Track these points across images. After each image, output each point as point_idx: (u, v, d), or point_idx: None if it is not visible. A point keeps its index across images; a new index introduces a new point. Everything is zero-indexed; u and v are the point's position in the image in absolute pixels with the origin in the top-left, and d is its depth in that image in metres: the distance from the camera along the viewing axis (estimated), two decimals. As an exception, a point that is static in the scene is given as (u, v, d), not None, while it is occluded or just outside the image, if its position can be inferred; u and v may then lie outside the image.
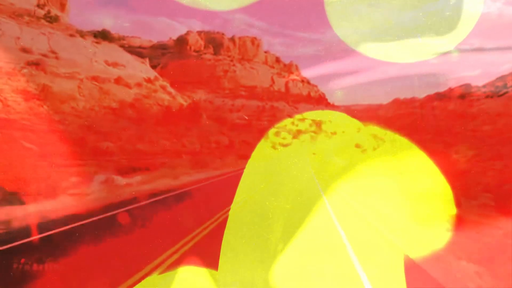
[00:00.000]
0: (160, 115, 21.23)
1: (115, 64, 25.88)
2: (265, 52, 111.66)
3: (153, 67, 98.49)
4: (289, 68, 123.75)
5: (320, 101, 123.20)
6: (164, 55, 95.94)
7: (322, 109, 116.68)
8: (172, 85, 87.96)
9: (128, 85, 24.13)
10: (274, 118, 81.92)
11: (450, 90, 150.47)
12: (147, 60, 42.88)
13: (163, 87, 31.11)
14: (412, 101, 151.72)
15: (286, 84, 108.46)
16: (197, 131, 22.92)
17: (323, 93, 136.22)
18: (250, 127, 73.57)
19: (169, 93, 30.60)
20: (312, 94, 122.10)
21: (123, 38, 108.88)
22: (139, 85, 25.71)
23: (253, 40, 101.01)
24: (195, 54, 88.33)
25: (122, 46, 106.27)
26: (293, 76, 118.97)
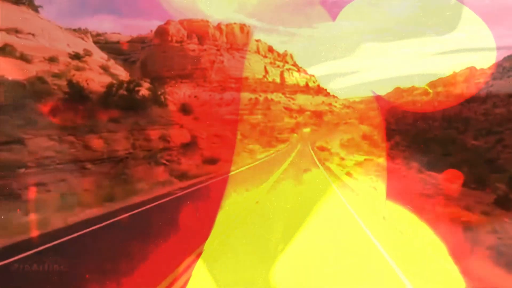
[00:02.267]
0: (68, 101, 11.86)
1: (12, 31, 16.54)
2: (256, 40, 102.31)
3: (132, 63, 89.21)
4: (283, 57, 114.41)
5: (319, 91, 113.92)
6: (144, 49, 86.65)
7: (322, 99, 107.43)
8: (152, 81, 78.60)
9: (26, 59, 14.77)
10: (269, 110, 72.52)
11: (454, 74, 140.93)
12: (89, 35, 33.22)
13: (104, 67, 21.68)
14: (414, 88, 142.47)
15: (281, 74, 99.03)
16: (133, 124, 13.61)
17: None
18: (242, 121, 64.22)
19: (114, 75, 21.14)
20: (310, 84, 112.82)
21: (99, 34, 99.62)
22: (51, 60, 16.32)
23: (242, 27, 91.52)
24: (177, 45, 78.94)
25: (97, 42, 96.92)
26: (288, 66, 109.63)
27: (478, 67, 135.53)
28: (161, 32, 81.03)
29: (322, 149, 42.62)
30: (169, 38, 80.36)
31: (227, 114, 66.59)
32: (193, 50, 78.55)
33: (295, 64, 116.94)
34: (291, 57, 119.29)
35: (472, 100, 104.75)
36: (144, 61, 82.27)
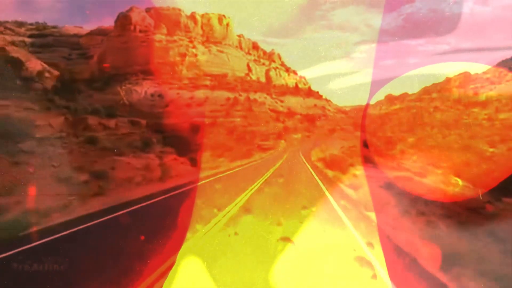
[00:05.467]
0: None
1: None
2: (239, 36, 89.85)
3: (89, 58, 75.36)
4: (270, 56, 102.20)
5: (311, 94, 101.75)
6: (103, 42, 72.97)
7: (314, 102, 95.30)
8: (112, 77, 64.98)
9: None
10: (251, 112, 59.31)
11: (448, 80, 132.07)
12: None
13: None
14: (406, 95, 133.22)
15: (267, 72, 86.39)
16: None
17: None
18: (216, 125, 50.92)
19: None
20: (301, 86, 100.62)
21: (55, 27, 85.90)
22: None
23: (221, 18, 78.90)
24: (141, 35, 65.61)
25: (51, 35, 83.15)
26: (275, 65, 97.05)
27: (472, 72, 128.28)
28: (122, 20, 67.62)
29: (336, 166, 23.91)
30: (132, 28, 66.98)
31: (197, 116, 53.22)
32: (160, 41, 65.26)
33: (283, 64, 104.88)
34: (279, 57, 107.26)
35: (471, 105, 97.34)
36: (102, 55, 68.49)
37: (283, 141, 60.02)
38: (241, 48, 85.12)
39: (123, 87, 58.21)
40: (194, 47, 68.09)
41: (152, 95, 58.49)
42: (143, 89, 59.17)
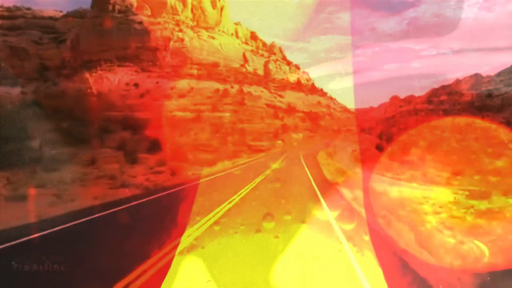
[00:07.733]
0: None
1: None
2: (236, 24, 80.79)
3: (61, 42, 66.46)
4: (270, 48, 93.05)
5: (314, 91, 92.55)
6: (78, 25, 63.95)
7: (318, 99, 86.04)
8: (84, 63, 56.16)
9: None
10: (243, 106, 50.06)
11: (458, 82, 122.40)
12: None
13: None
14: (412, 97, 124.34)
15: (266, 65, 77.14)
16: None
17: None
18: (198, 120, 41.77)
19: None
20: (303, 81, 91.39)
21: (29, 8, 77.01)
22: None
23: (214, 1, 69.74)
24: (119, 16, 56.68)
25: (23, 16, 74.26)
26: (275, 57, 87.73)
27: (484, 74, 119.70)
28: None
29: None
30: (110, 7, 58.11)
31: (177, 110, 44.16)
32: (140, 23, 56.24)
33: (284, 58, 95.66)
34: (280, 50, 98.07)
35: (485, 109, 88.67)
36: (76, 39, 59.62)
37: (280, 141, 51.01)
38: (237, 37, 76.03)
39: (93, 74, 49.25)
40: (181, 30, 59.01)
41: (127, 84, 49.49)
42: (117, 77, 50.16)
